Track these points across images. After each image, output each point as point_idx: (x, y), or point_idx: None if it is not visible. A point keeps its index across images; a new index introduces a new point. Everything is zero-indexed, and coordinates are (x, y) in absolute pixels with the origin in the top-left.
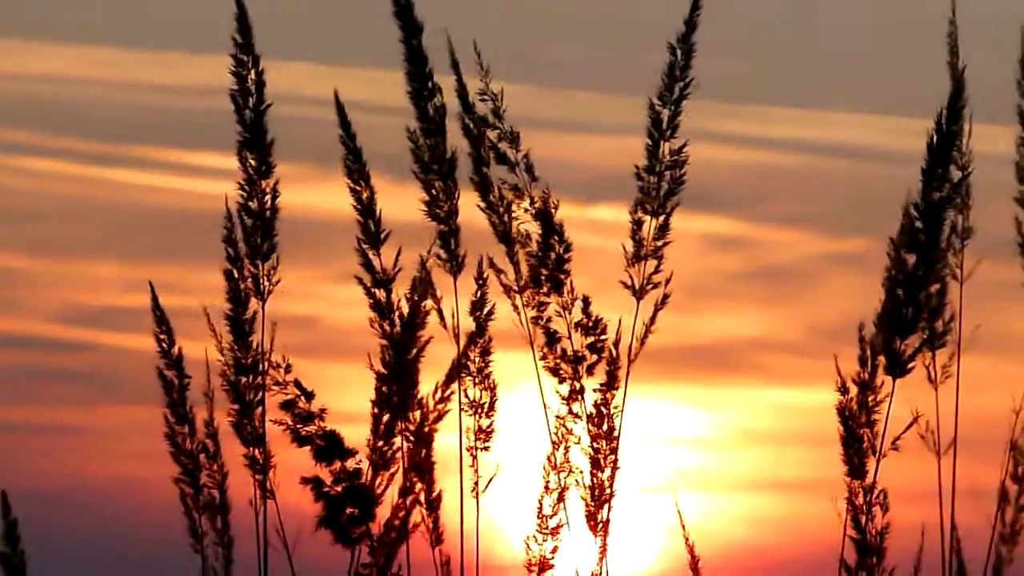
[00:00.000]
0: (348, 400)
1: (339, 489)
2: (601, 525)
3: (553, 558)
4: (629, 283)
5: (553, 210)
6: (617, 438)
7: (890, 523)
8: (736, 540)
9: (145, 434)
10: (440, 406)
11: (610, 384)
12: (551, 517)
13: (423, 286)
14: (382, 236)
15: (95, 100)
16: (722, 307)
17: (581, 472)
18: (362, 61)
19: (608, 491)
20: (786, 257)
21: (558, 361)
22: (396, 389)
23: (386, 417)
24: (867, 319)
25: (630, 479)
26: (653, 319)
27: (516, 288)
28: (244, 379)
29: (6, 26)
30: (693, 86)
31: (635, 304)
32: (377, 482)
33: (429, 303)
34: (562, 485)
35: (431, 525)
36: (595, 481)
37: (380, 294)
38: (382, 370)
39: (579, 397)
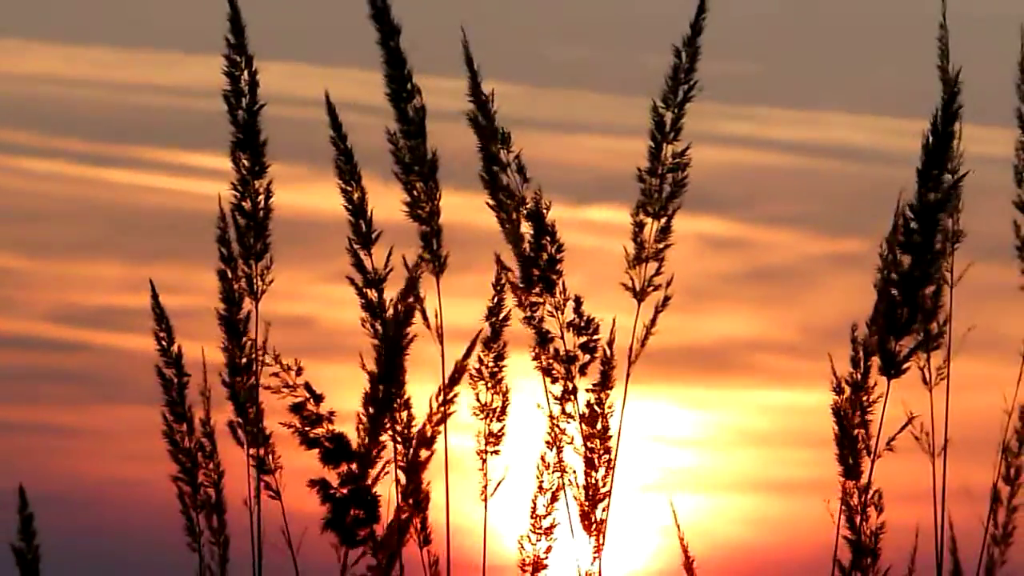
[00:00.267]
0: (340, 400)
1: (345, 491)
2: (596, 525)
3: (547, 558)
4: (630, 285)
5: (545, 211)
6: (611, 438)
7: (885, 523)
8: (731, 540)
9: (140, 434)
10: (444, 408)
11: (604, 384)
12: (545, 517)
13: (411, 285)
14: (373, 236)
15: (91, 100)
16: (718, 308)
17: (575, 472)
18: (353, 62)
19: (603, 491)
20: (782, 258)
21: (551, 361)
22: (384, 389)
23: (374, 416)
24: (862, 320)
25: (625, 479)
26: (654, 321)
27: (522, 285)
28: (238, 379)
29: (4, 26)
30: (697, 89)
31: (635, 306)
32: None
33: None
34: (556, 485)
35: (419, 525)
36: (589, 481)
37: (372, 294)
38: (375, 370)
39: (572, 397)
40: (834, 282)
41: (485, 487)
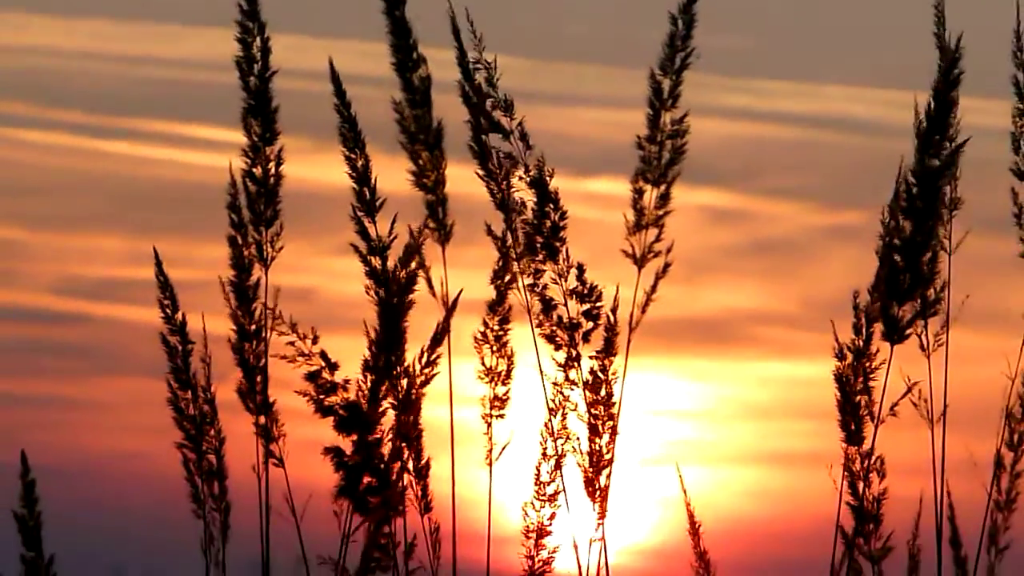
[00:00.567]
0: (344, 370)
1: (359, 459)
2: (599, 492)
3: (551, 525)
4: (630, 252)
5: (548, 178)
6: (615, 404)
7: (887, 489)
8: (732, 512)
9: (141, 406)
10: (427, 370)
11: (607, 351)
12: (548, 484)
13: (411, 252)
14: (377, 204)
15: (91, 73)
16: (719, 280)
17: (579, 439)
18: (359, 34)
19: (607, 457)
20: (783, 230)
21: (554, 328)
22: (385, 355)
23: (374, 383)
24: (863, 289)
25: (628, 451)
26: (654, 287)
27: (515, 256)
28: (248, 345)
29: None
30: (694, 56)
31: (636, 274)
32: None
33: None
34: (560, 452)
35: (420, 493)
36: (593, 447)
37: (376, 262)
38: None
39: (575, 364)
40: (835, 254)
41: (490, 451)
